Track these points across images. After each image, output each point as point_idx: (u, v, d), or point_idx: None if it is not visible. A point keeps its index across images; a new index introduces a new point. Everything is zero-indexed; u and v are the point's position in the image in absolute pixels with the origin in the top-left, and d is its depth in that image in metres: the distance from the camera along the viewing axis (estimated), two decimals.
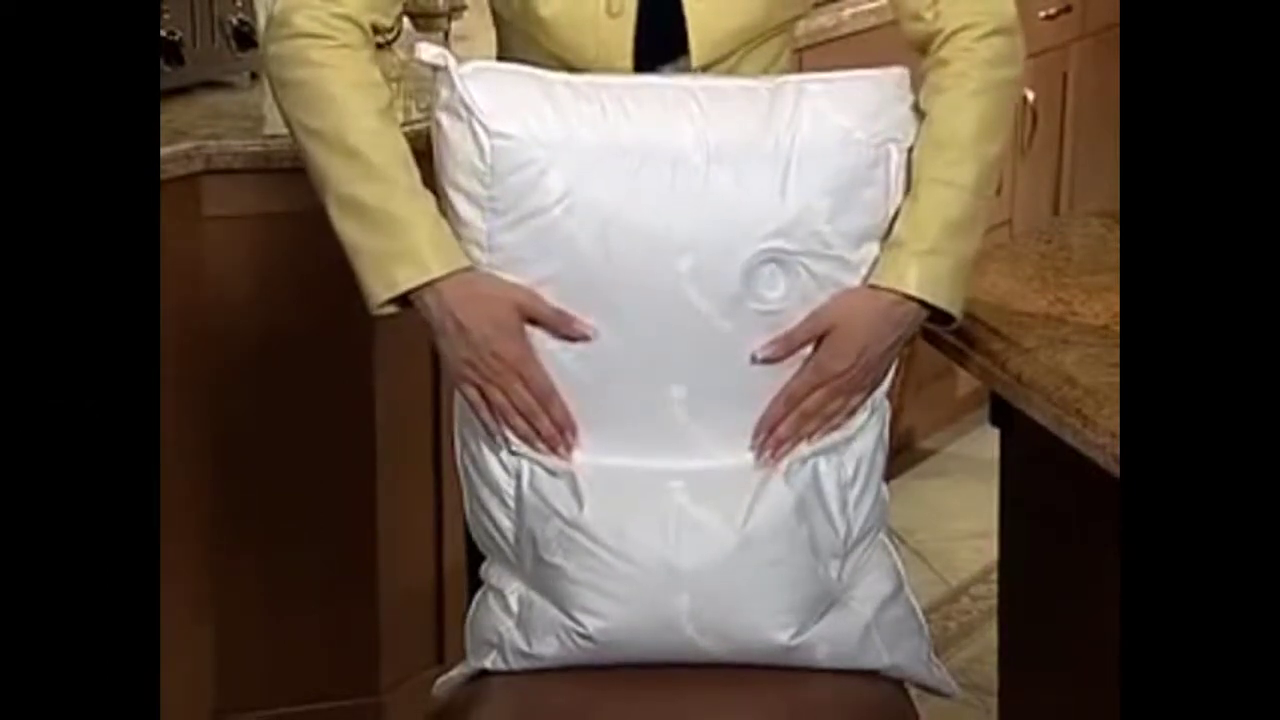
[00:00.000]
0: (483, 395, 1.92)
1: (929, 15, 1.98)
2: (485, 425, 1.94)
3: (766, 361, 1.91)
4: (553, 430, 1.92)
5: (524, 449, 1.93)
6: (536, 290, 1.90)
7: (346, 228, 1.92)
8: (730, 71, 2.01)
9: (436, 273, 1.89)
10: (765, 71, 2.03)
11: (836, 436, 1.96)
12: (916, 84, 1.99)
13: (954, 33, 1.97)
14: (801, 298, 1.91)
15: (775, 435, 1.94)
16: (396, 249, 1.90)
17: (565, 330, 1.90)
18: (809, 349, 1.93)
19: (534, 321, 1.90)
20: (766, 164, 1.89)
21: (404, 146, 1.92)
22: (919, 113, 1.96)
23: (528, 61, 1.99)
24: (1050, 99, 4.32)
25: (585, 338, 1.90)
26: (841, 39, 3.54)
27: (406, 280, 1.90)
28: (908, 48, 2.04)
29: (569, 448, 1.93)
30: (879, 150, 1.92)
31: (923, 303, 1.94)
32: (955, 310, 1.96)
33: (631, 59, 1.98)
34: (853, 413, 1.95)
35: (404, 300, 1.93)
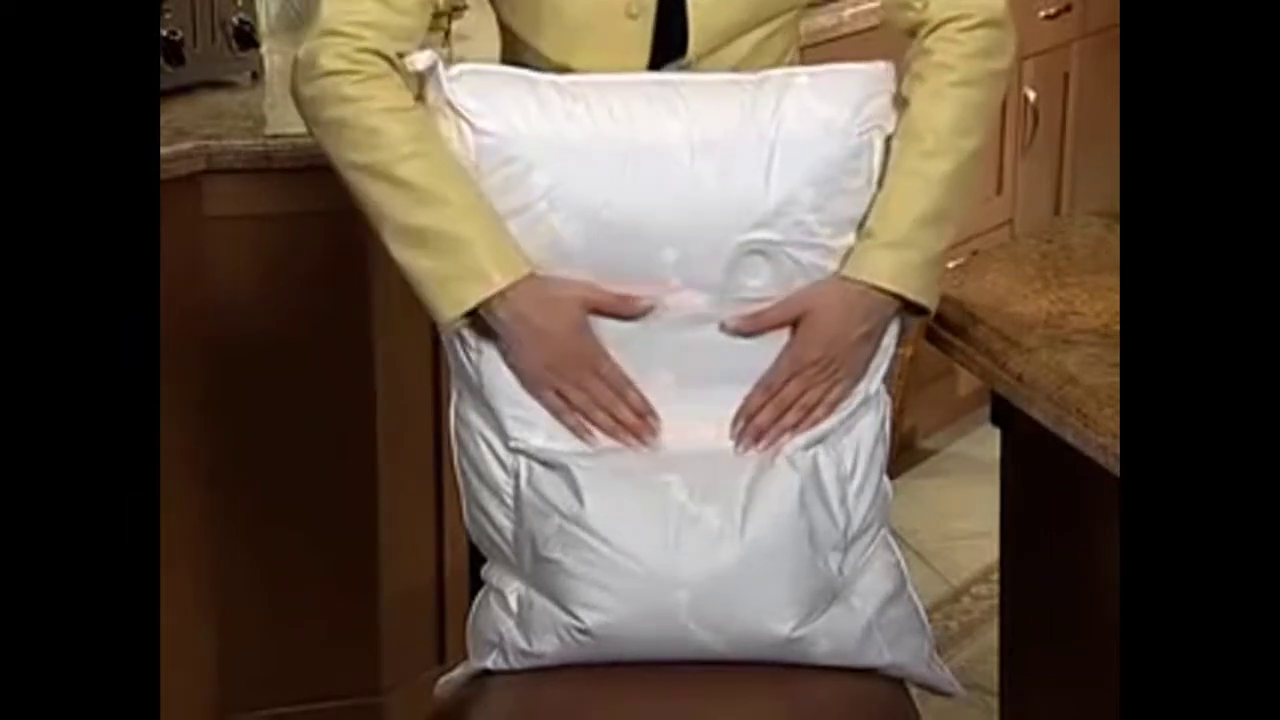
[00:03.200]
0: (562, 397, 1.93)
1: (918, 4, 1.98)
2: (571, 428, 1.94)
3: (735, 333, 1.93)
4: (633, 418, 1.93)
5: (516, 443, 1.93)
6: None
7: (407, 256, 1.91)
8: (735, 66, 2.01)
9: (501, 284, 1.89)
10: (772, 68, 2.02)
11: (833, 423, 1.96)
12: (902, 75, 1.99)
13: (941, 23, 1.97)
14: (786, 285, 1.93)
15: (754, 424, 1.95)
16: (460, 268, 1.90)
17: (629, 311, 1.92)
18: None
19: (599, 312, 1.91)
20: (750, 154, 1.90)
21: (450, 162, 1.91)
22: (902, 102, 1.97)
23: (530, 64, 1.99)
24: (1051, 99, 4.32)
25: (650, 310, 1.91)
26: (841, 39, 3.54)
27: (474, 297, 1.90)
28: (899, 36, 2.03)
29: (653, 433, 1.94)
30: (862, 139, 1.93)
31: (894, 294, 1.94)
32: (926, 302, 1.96)
33: (648, 60, 1.99)
34: (833, 406, 1.96)
35: (472, 313, 1.92)
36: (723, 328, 1.93)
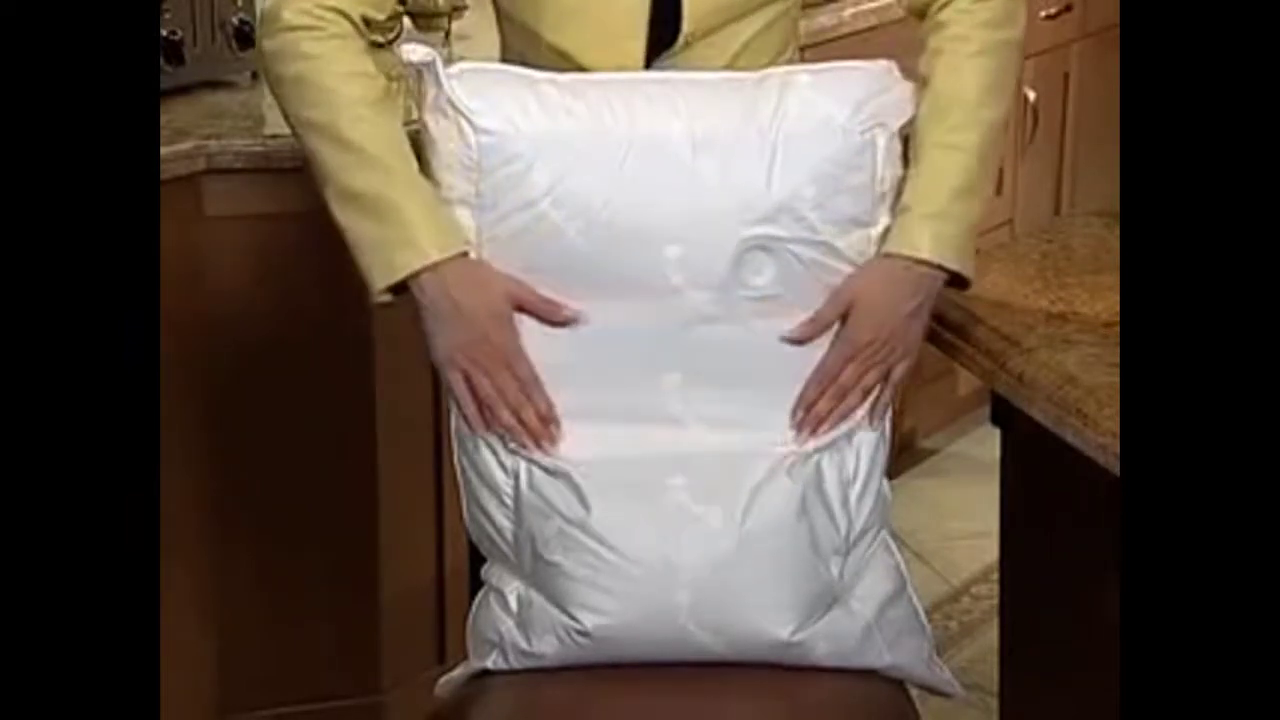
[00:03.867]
0: (468, 383, 1.92)
1: None
2: (466, 417, 1.94)
3: (795, 343, 1.93)
4: (536, 423, 1.93)
5: (514, 446, 1.93)
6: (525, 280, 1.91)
7: (346, 218, 1.93)
8: (731, 59, 2.01)
9: (435, 257, 1.90)
10: (769, 66, 2.03)
11: (842, 429, 1.96)
12: (907, 76, 1.99)
13: None
14: (789, 283, 1.92)
15: (814, 412, 1.95)
16: (395, 236, 1.91)
17: (554, 317, 1.92)
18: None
19: (522, 309, 1.91)
20: (752, 152, 1.90)
21: (400, 134, 1.93)
22: (912, 95, 1.97)
23: (530, 61, 2.00)
24: (1051, 99, 4.32)
25: (574, 322, 1.91)
26: (841, 39, 3.54)
27: (405, 265, 1.91)
28: (900, 32, 2.04)
29: (553, 441, 1.94)
30: (865, 137, 1.93)
31: (937, 266, 1.94)
32: (968, 272, 1.97)
33: (645, 42, 1.99)
34: (897, 385, 1.97)
35: (402, 288, 1.93)
36: (782, 340, 1.93)
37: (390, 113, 1.94)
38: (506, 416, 1.93)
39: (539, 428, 1.93)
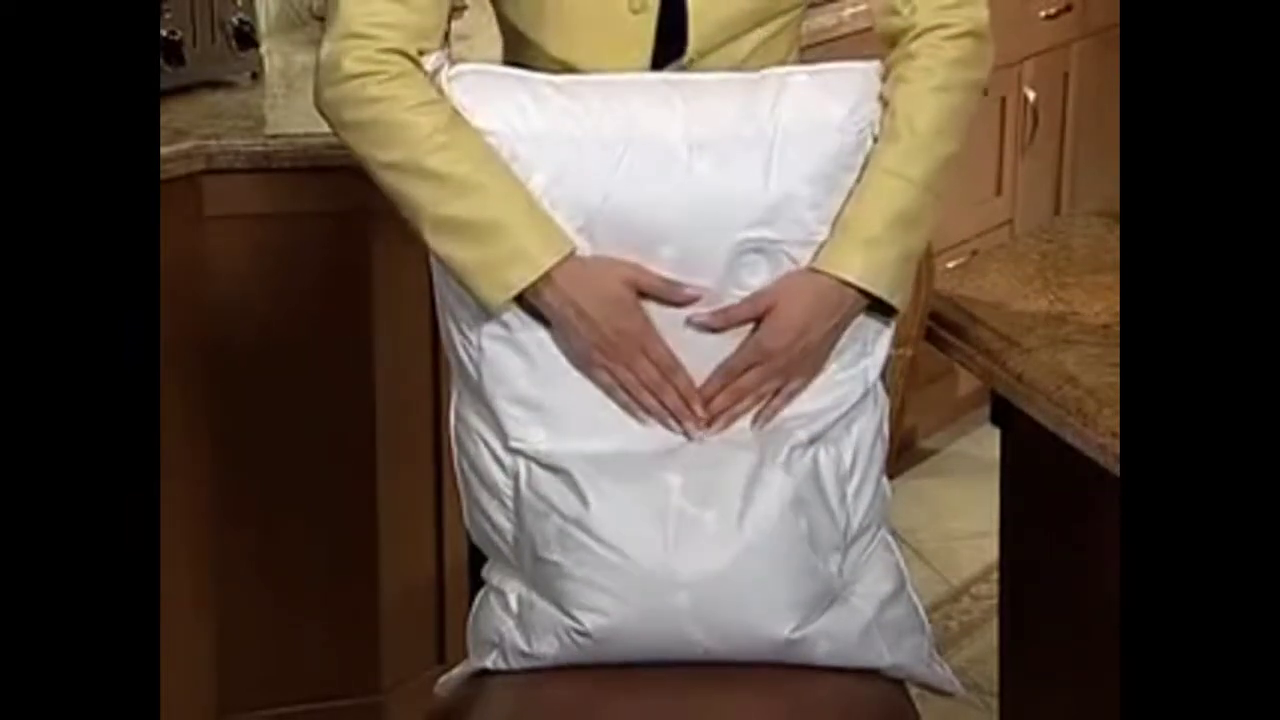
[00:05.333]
0: (613, 376, 1.93)
1: (905, 10, 1.99)
2: (622, 406, 1.94)
3: (703, 328, 1.92)
4: (679, 402, 1.93)
5: (514, 445, 1.93)
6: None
7: (449, 248, 1.91)
8: (735, 67, 2.01)
9: (546, 264, 1.89)
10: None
11: (830, 418, 1.96)
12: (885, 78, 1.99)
13: (926, 30, 1.97)
14: None
15: (710, 408, 1.95)
16: (503, 253, 1.89)
17: (676, 297, 1.91)
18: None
19: (644, 294, 1.91)
20: (749, 152, 1.90)
21: (480, 148, 1.90)
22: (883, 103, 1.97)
23: (531, 65, 1.99)
24: (1051, 99, 4.32)
25: (695, 300, 1.91)
26: (841, 39, 3.54)
27: (520, 280, 1.89)
28: (879, 38, 2.04)
29: (696, 421, 1.94)
30: (860, 137, 1.93)
31: (864, 291, 1.94)
32: (896, 302, 1.96)
33: (651, 56, 1.99)
34: (791, 396, 1.95)
35: (518, 296, 1.91)
36: (689, 323, 1.92)
37: (464, 130, 1.91)
38: (651, 401, 1.93)
39: (681, 407, 1.93)
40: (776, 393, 1.95)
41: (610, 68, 1.97)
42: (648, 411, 1.94)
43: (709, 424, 1.95)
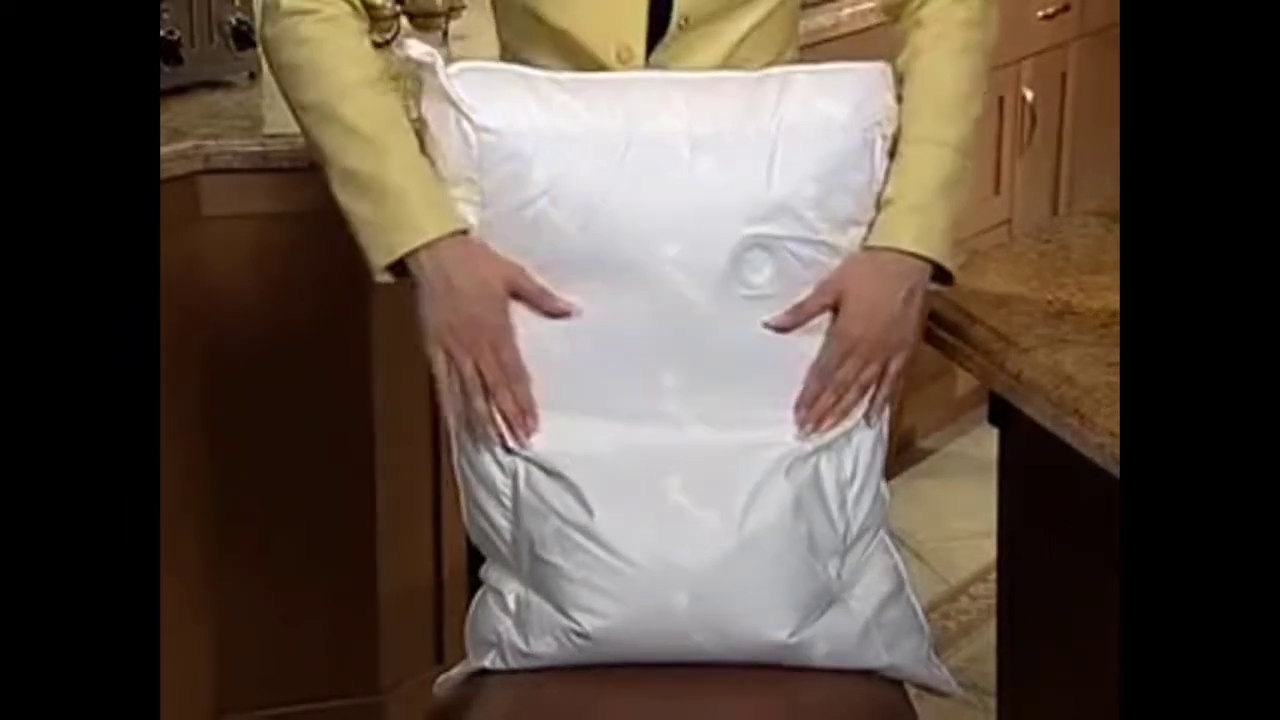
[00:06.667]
0: (454, 362, 1.92)
1: None
2: (441, 401, 1.93)
3: (778, 330, 1.92)
4: (513, 410, 1.92)
5: (512, 444, 1.93)
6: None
7: (346, 199, 1.93)
8: (728, 54, 2.01)
9: (432, 235, 1.90)
10: (770, 66, 2.02)
11: (839, 431, 1.96)
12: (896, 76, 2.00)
13: None
14: (788, 282, 1.92)
15: (816, 409, 1.94)
16: (392, 215, 1.91)
17: (547, 307, 1.91)
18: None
19: (517, 296, 1.91)
20: (752, 150, 1.90)
21: (398, 113, 1.93)
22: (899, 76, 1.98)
23: (530, 60, 2.00)
24: (1049, 98, 4.32)
25: (566, 315, 1.91)
26: (840, 39, 3.54)
27: (403, 244, 1.91)
28: (881, 12, 2.05)
29: (527, 432, 1.93)
30: (865, 136, 1.94)
31: (922, 258, 1.94)
32: (951, 266, 1.97)
33: (645, 23, 1.98)
34: (895, 378, 1.96)
35: (403, 270, 1.93)
36: (765, 325, 1.92)
37: (388, 92, 1.94)
38: (480, 402, 1.92)
39: (515, 416, 1.92)
40: (881, 378, 1.95)
41: (607, 32, 1.97)
42: (471, 410, 1.92)
43: (818, 425, 1.94)
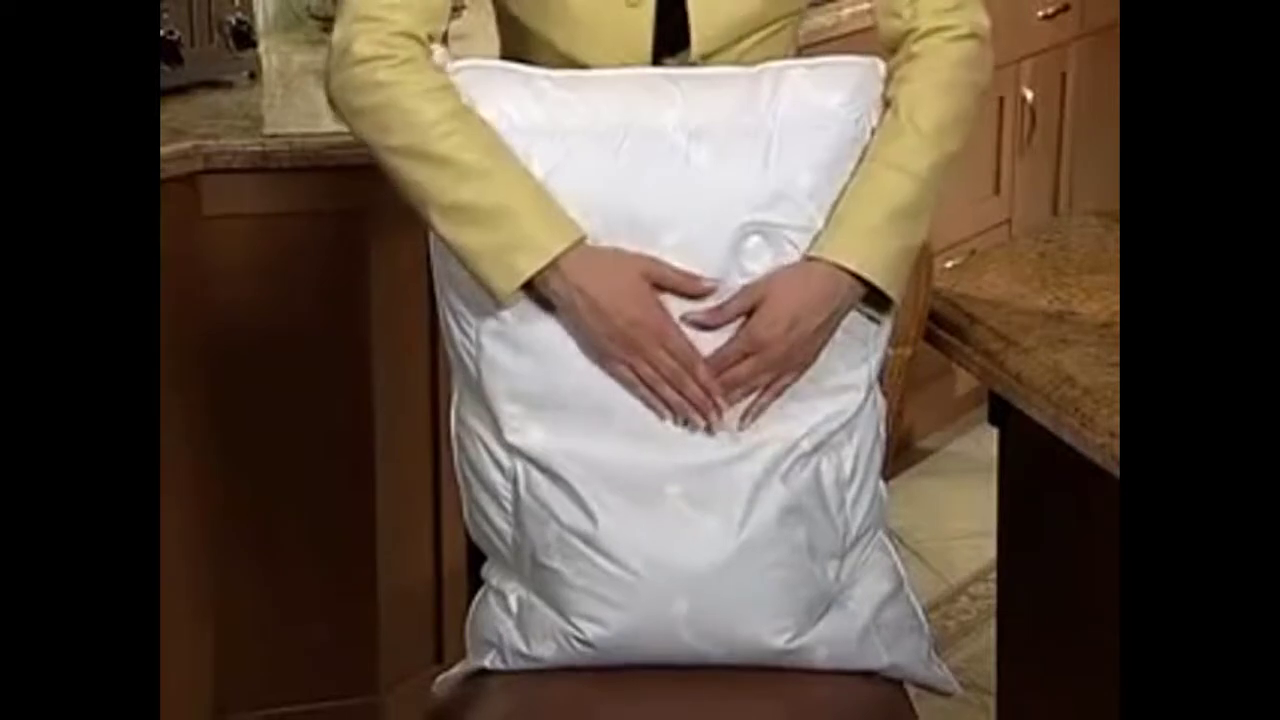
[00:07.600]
0: (632, 370, 1.90)
1: (906, 13, 1.99)
2: (643, 400, 1.91)
3: (698, 326, 1.90)
4: (700, 395, 1.90)
5: (513, 443, 1.92)
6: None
7: (457, 234, 1.89)
8: (733, 64, 2.01)
9: (554, 251, 1.87)
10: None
11: (834, 426, 1.95)
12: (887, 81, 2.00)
13: (928, 31, 1.97)
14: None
15: (690, 395, 1.91)
16: (511, 239, 1.88)
17: (693, 290, 1.90)
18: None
19: (660, 287, 1.89)
20: (749, 140, 1.90)
21: (489, 134, 1.90)
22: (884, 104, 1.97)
23: (532, 63, 2.00)
24: (1049, 98, 4.32)
25: (713, 291, 1.89)
26: (840, 38, 3.54)
27: (528, 266, 1.88)
28: (881, 44, 2.04)
29: (719, 413, 1.91)
30: (859, 126, 1.93)
31: (859, 280, 1.92)
32: (893, 293, 1.94)
33: (650, 49, 1.99)
34: (780, 391, 1.93)
35: (529, 285, 1.90)
36: (683, 320, 1.91)
37: (472, 116, 1.91)
38: (672, 395, 1.91)
39: (702, 399, 1.90)
40: (767, 388, 1.94)
41: (611, 61, 1.97)
42: (667, 405, 1.91)
43: (697, 410, 1.91)
